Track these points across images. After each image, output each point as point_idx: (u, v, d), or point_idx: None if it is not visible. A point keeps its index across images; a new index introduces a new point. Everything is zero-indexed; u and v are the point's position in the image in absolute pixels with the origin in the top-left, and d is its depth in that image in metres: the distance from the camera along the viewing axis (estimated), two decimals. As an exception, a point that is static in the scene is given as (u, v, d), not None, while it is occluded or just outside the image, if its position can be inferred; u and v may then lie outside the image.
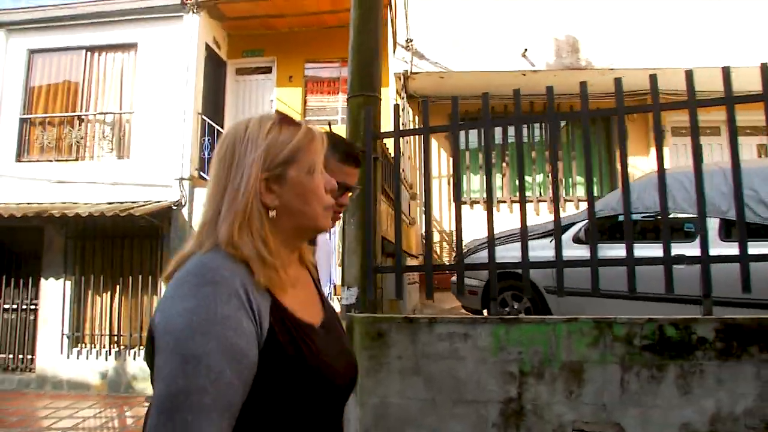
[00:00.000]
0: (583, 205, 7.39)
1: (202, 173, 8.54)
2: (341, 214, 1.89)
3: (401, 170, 7.09)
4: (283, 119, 1.11)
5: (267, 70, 9.85)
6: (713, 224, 4.54)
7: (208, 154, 8.46)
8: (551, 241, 5.21)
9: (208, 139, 8.67)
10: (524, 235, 3.56)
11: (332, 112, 9.50)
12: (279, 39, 9.63)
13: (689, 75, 3.27)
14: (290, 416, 1.00)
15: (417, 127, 8.01)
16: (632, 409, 3.11)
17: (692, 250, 4.06)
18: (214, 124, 8.84)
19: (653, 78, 3.33)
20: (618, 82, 3.38)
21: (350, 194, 1.89)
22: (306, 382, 1.00)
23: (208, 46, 9.12)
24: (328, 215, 1.15)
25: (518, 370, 3.31)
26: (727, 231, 4.53)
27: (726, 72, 3.18)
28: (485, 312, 5.77)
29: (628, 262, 3.30)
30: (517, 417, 3.30)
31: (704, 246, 3.22)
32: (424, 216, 8.35)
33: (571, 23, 7.33)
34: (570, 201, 8.29)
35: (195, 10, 8.75)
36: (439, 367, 3.41)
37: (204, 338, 0.87)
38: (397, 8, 7.56)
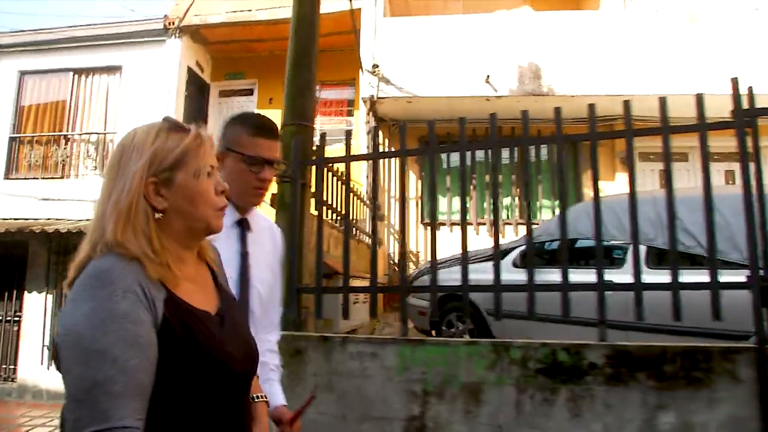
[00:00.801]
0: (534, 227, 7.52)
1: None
2: (266, 190, 1.87)
3: (363, 193, 7.31)
4: (172, 126, 1.18)
5: (249, 92, 10.14)
6: (641, 251, 4.65)
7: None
8: (513, 265, 5.38)
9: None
10: (464, 258, 3.69)
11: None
12: (260, 62, 9.92)
13: (662, 102, 3.29)
14: (191, 399, 1.09)
15: (388, 149, 8.20)
16: (525, 430, 3.24)
17: (620, 276, 4.21)
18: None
19: (626, 104, 3.40)
20: (591, 108, 3.50)
21: (275, 168, 1.87)
22: (201, 365, 1.09)
23: (190, 69, 9.43)
24: (220, 216, 1.22)
25: (421, 390, 3.45)
26: (653, 258, 4.64)
27: (699, 98, 3.22)
28: (433, 333, 5.91)
29: (563, 288, 3.40)
30: None
31: (637, 273, 3.28)
32: (393, 237, 8.56)
33: (533, 51, 7.52)
34: (536, 224, 8.42)
35: (177, 35, 9.08)
36: (350, 385, 3.55)
37: (105, 335, 0.97)
38: (363, 35, 7.82)
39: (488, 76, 7.33)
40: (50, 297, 8.88)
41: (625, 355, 3.16)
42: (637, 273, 3.29)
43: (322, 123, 9.85)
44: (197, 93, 9.87)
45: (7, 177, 9.37)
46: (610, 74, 7.37)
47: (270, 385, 1.84)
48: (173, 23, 9.01)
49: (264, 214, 2.00)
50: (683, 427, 3.02)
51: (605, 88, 7.24)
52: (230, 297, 1.35)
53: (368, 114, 7.85)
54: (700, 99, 3.23)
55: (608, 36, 7.55)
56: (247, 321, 1.40)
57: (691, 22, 7.49)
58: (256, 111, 9.90)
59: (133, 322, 1.00)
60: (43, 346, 8.76)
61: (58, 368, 1.04)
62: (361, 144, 8.22)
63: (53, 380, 8.63)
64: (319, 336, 3.76)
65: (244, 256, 1.80)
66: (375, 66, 7.56)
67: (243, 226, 1.85)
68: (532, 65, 7.37)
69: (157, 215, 1.12)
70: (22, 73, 9.68)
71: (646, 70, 7.32)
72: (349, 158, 4.20)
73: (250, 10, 8.88)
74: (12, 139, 9.51)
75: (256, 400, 1.46)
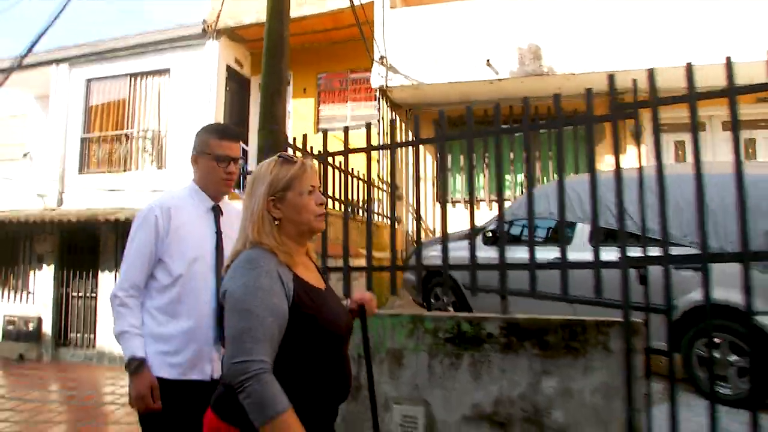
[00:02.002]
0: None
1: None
2: (233, 181, 2.44)
3: (377, 181, 7.72)
4: (284, 160, 1.71)
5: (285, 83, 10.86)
6: (585, 229, 4.92)
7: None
8: (483, 243, 5.76)
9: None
10: (445, 237, 4.08)
11: (342, 119, 10.36)
12: (293, 54, 10.52)
13: (689, 68, 3.19)
14: (313, 353, 1.60)
15: (405, 133, 8.67)
16: (437, 390, 3.73)
17: (570, 253, 4.52)
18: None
19: (634, 82, 3.49)
20: (589, 92, 3.59)
21: (238, 165, 2.42)
22: (321, 328, 1.61)
23: (229, 67, 10.30)
24: (321, 220, 1.73)
25: (356, 354, 4.02)
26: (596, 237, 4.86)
27: (689, 69, 3.18)
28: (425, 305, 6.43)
29: (530, 267, 3.70)
30: (356, 391, 4.03)
31: (596, 253, 3.48)
32: (411, 216, 9.04)
33: (532, 32, 7.60)
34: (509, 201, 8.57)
35: (215, 37, 9.93)
36: None
37: (253, 300, 1.48)
38: (374, 27, 8.27)
39: (488, 60, 7.57)
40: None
41: (515, 326, 3.56)
42: (597, 253, 3.47)
43: (352, 108, 10.45)
44: (239, 87, 10.77)
45: (80, 172, 10.77)
46: (608, 51, 7.36)
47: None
48: (211, 26, 9.87)
49: (233, 203, 2.55)
50: (563, 392, 3.40)
51: (603, 65, 7.29)
52: (327, 280, 1.90)
53: (382, 100, 8.34)
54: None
55: (605, 13, 7.50)
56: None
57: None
58: (292, 100, 10.67)
59: (270, 293, 1.52)
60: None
61: (221, 320, 1.62)
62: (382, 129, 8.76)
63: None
64: None
65: (218, 234, 2.40)
66: (382, 57, 8.02)
67: (216, 211, 2.41)
68: (532, 46, 7.51)
69: (276, 222, 1.66)
70: (89, 80, 10.98)
71: (642, 44, 7.26)
72: (347, 151, 4.55)
73: (276, 9, 9.54)
74: (83, 139, 10.89)
75: None
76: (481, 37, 7.80)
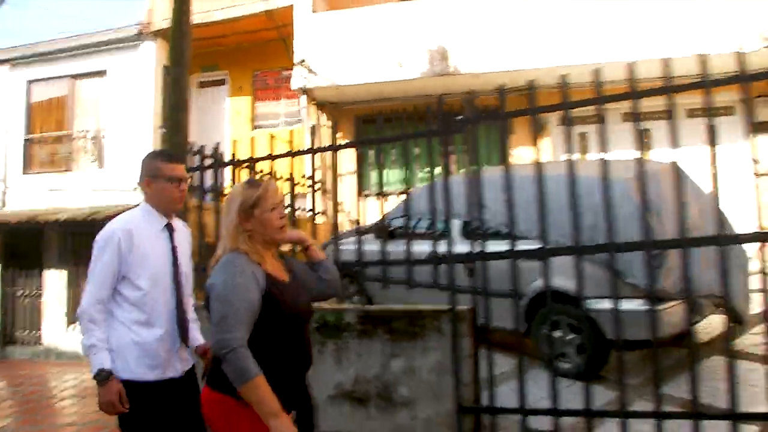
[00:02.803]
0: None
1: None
2: (184, 198, 2.72)
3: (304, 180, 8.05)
4: (251, 184, 2.16)
5: (222, 82, 11.22)
6: (457, 225, 5.40)
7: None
8: (375, 237, 6.21)
9: (166, 149, 10.19)
10: (336, 234, 4.63)
11: (276, 116, 10.75)
12: (229, 54, 10.91)
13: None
14: (279, 332, 2.03)
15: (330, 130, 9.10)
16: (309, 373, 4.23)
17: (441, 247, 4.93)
18: (169, 136, 10.34)
19: (531, 84, 3.62)
20: (502, 91, 3.73)
21: (187, 184, 2.72)
22: (284, 312, 2.04)
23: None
24: (282, 232, 2.16)
25: None
26: (465, 232, 5.35)
27: (596, 72, 3.41)
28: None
29: (408, 262, 4.12)
30: None
31: (483, 247, 3.87)
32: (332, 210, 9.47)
33: (440, 35, 8.07)
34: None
35: (151, 38, 10.21)
36: None
37: (231, 292, 1.93)
38: (295, 30, 8.66)
39: (399, 63, 8.04)
40: (65, 273, 10.54)
41: (370, 315, 4.06)
42: (482, 246, 3.86)
43: (286, 105, 10.83)
44: (177, 87, 11.06)
45: (24, 172, 11.00)
46: (509, 52, 7.88)
47: (192, 330, 2.78)
48: (146, 28, 10.15)
49: (177, 219, 2.81)
50: (408, 370, 3.91)
51: (506, 65, 7.82)
52: (298, 271, 2.30)
53: (305, 100, 8.80)
54: (596, 72, 3.37)
55: (507, 16, 7.99)
56: (305, 285, 2.28)
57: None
58: (228, 98, 11.01)
59: (244, 286, 1.96)
60: (64, 314, 10.49)
61: (207, 308, 2.03)
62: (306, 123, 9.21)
63: (71, 343, 10.35)
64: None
65: (174, 249, 2.66)
66: (302, 60, 8.43)
67: (170, 228, 2.67)
68: (440, 48, 7.99)
69: (247, 233, 2.09)
70: (30, 82, 11.18)
71: (544, 44, 7.79)
72: (253, 160, 4.94)
73: (208, 11, 9.86)
74: (26, 140, 11.11)
75: None
76: (394, 40, 8.24)
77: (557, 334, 4.65)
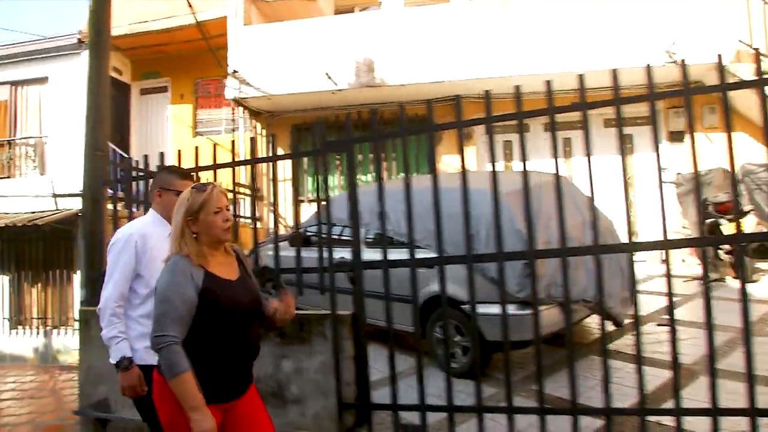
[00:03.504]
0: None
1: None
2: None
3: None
4: (198, 189, 2.31)
5: (164, 89, 11.44)
6: (363, 234, 5.79)
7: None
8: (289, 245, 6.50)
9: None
10: (256, 243, 4.88)
11: (218, 124, 11.02)
12: (171, 62, 11.15)
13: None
14: (219, 324, 2.22)
15: (266, 137, 9.42)
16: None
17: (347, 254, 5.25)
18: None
19: (458, 98, 3.87)
20: (429, 104, 3.96)
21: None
22: (222, 307, 2.22)
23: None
24: (226, 233, 2.32)
25: None
26: (372, 241, 5.74)
27: (517, 89, 3.62)
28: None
29: (322, 269, 4.39)
30: None
31: (412, 253, 4.14)
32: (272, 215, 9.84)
33: (367, 47, 8.50)
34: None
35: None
36: None
37: (170, 291, 2.13)
38: (228, 41, 8.98)
39: (327, 74, 8.42)
40: (6, 278, 10.67)
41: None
42: (412, 253, 4.02)
43: (227, 112, 11.11)
44: (119, 93, 11.24)
45: (-38, 179, 11.08)
46: (433, 64, 8.35)
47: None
48: (86, 37, 10.29)
49: None
50: (296, 370, 4.30)
51: (429, 76, 8.33)
52: (247, 273, 2.48)
53: (238, 109, 9.16)
54: (517, 90, 3.58)
55: (428, 30, 8.46)
56: (254, 282, 2.49)
57: (504, 8, 8.34)
58: (170, 106, 11.24)
59: (182, 287, 2.16)
60: (3, 318, 10.61)
61: None
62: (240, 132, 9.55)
63: (14, 346, 10.51)
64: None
65: None
66: (235, 71, 8.76)
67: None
68: (367, 60, 8.40)
69: (193, 236, 2.27)
70: (-31, 87, 11.24)
71: (464, 57, 8.28)
72: (196, 169, 4.89)
73: (146, 21, 10.09)
74: (-36, 146, 11.18)
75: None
76: (323, 52, 8.62)
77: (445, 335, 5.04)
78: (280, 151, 9.37)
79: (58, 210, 10.07)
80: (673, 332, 3.31)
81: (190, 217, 2.27)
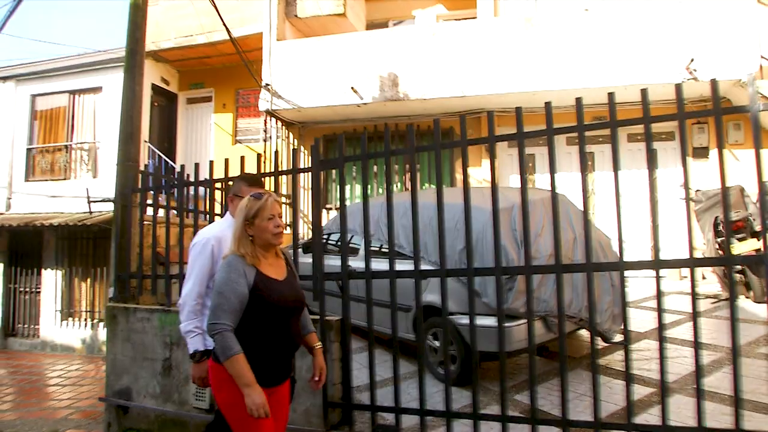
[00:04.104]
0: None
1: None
2: None
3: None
4: (255, 198, 2.60)
5: (209, 99, 12.08)
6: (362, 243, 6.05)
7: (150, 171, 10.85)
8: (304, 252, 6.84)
9: (152, 162, 11.08)
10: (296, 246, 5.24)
11: (256, 132, 11.56)
12: (214, 73, 11.78)
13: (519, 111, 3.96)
14: (266, 318, 2.51)
15: (297, 146, 9.88)
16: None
17: (355, 262, 5.57)
18: (155, 149, 11.26)
19: (490, 114, 3.94)
20: (462, 119, 4.16)
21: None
22: (269, 302, 2.51)
23: (155, 85, 11.50)
24: (277, 238, 2.61)
25: (170, 341, 5.26)
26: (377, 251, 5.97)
27: (518, 111, 3.74)
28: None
29: (314, 276, 4.63)
30: (169, 369, 5.26)
31: (393, 264, 4.63)
32: (303, 221, 10.25)
33: (391, 62, 8.74)
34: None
35: (141, 59, 11.11)
36: (137, 337, 5.41)
37: (225, 286, 2.43)
38: (264, 56, 9.49)
39: (353, 88, 8.76)
40: (60, 273, 11.54)
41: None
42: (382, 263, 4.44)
43: (249, 123, 11.66)
44: (167, 102, 11.99)
45: (26, 180, 12.05)
46: (456, 78, 8.55)
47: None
48: (136, 50, 11.04)
49: None
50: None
51: (449, 91, 8.55)
52: (293, 274, 2.80)
53: (271, 120, 9.65)
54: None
55: (450, 47, 8.69)
56: (297, 281, 2.81)
57: (528, 25, 8.45)
58: (213, 114, 11.87)
59: (236, 283, 2.46)
60: (56, 311, 11.49)
61: None
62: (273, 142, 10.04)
63: (64, 336, 11.36)
64: (124, 306, 5.67)
65: None
66: (267, 84, 9.23)
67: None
68: (391, 74, 8.68)
69: (249, 238, 2.58)
70: (33, 96, 12.22)
71: (488, 72, 8.44)
72: (226, 179, 5.42)
73: (191, 35, 10.74)
74: (28, 150, 12.16)
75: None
76: (351, 67, 8.97)
77: (437, 343, 5.27)
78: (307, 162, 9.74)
79: (106, 211, 10.82)
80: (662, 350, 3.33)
81: (247, 221, 2.57)
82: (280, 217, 2.65)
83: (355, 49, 9.01)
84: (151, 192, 6.07)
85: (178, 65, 11.95)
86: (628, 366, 3.45)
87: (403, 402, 4.27)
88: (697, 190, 7.79)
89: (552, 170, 3.70)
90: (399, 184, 9.75)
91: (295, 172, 4.89)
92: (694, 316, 3.31)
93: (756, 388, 4.19)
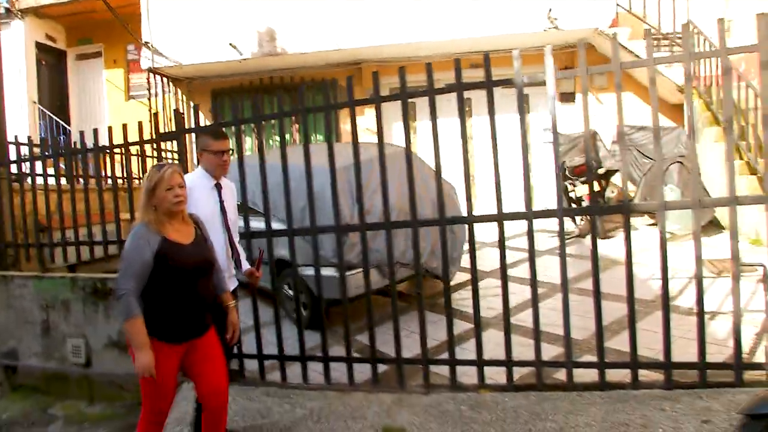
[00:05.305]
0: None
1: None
2: (228, 165, 3.54)
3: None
4: (157, 167, 2.81)
5: (98, 55, 11.87)
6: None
7: (42, 135, 10.73)
8: None
9: (42, 123, 10.94)
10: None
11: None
12: (103, 28, 11.48)
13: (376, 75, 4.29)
14: (169, 281, 2.75)
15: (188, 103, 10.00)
16: (89, 327, 5.33)
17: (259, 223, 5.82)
18: (45, 111, 11.08)
19: (375, 75, 4.28)
20: (349, 81, 4.38)
21: (229, 154, 3.51)
22: (171, 266, 2.74)
23: (39, 43, 11.19)
24: (178, 206, 2.80)
25: (45, 305, 5.60)
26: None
27: (428, 67, 4.17)
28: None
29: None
30: (48, 330, 5.60)
31: (313, 222, 5.17)
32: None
33: (268, 17, 8.94)
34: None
35: (19, 16, 10.78)
36: (17, 303, 5.68)
37: (131, 253, 2.69)
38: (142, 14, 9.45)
39: (231, 44, 8.92)
40: None
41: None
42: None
43: (141, 78, 11.51)
44: (55, 60, 11.71)
45: None
46: (333, 31, 8.86)
47: (242, 260, 3.67)
48: (14, 6, 10.70)
49: (226, 179, 3.65)
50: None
51: (327, 45, 8.88)
52: (202, 237, 3.02)
53: (155, 77, 9.73)
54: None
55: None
56: (208, 248, 3.03)
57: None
58: (105, 71, 11.72)
59: (141, 249, 2.68)
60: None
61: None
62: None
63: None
64: (2, 275, 5.93)
65: (222, 203, 3.51)
66: (146, 42, 9.26)
67: (218, 187, 3.52)
68: (269, 29, 8.88)
69: (153, 207, 2.77)
70: None
71: (363, 24, 8.78)
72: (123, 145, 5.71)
73: (67, -11, 10.45)
74: None
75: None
76: (228, 23, 9.06)
77: (291, 292, 5.83)
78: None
79: None
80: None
81: (150, 191, 2.79)
82: (181, 187, 2.85)
83: (233, 5, 9.08)
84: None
85: (65, 21, 11.60)
86: (448, 303, 4.27)
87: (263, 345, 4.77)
88: (559, 134, 8.53)
89: (435, 132, 4.18)
90: (288, 136, 10.10)
91: (179, 133, 5.18)
92: (531, 258, 4.14)
93: (555, 321, 4.55)
